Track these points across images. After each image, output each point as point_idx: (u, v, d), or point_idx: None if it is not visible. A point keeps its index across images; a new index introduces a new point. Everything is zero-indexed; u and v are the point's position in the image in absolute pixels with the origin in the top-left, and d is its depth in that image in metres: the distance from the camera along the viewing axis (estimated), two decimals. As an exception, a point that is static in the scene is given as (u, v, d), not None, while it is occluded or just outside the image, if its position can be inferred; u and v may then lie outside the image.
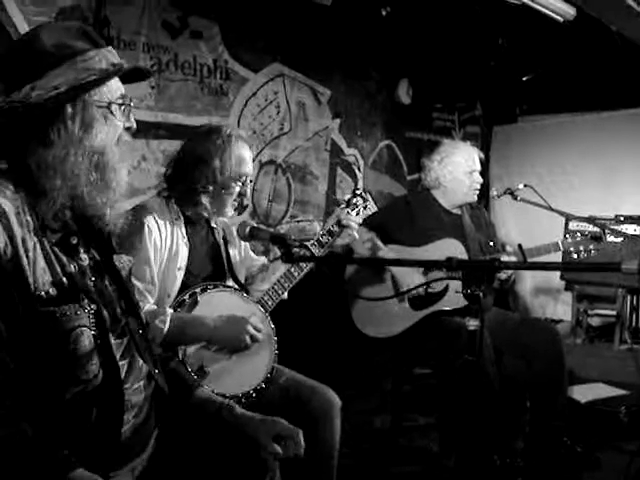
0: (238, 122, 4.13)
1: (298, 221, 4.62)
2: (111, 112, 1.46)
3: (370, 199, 2.90)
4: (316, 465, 2.32)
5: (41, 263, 1.34)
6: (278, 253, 1.89)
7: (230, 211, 2.49)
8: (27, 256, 1.32)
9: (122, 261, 1.61)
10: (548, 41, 4.85)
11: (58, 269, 1.37)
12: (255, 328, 2.32)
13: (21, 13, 3.00)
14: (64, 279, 1.37)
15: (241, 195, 2.48)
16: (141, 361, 1.54)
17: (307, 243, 2.48)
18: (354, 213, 2.74)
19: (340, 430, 2.40)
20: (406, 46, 5.02)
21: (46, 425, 1.30)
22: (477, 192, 3.50)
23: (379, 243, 3.32)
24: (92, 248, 1.51)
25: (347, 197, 2.79)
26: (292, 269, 2.55)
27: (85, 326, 1.37)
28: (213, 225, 2.56)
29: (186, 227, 2.43)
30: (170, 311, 2.24)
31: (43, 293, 1.32)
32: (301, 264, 2.55)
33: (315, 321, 3.97)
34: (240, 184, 2.46)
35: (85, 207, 1.45)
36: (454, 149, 3.51)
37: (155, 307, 2.26)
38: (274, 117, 4.41)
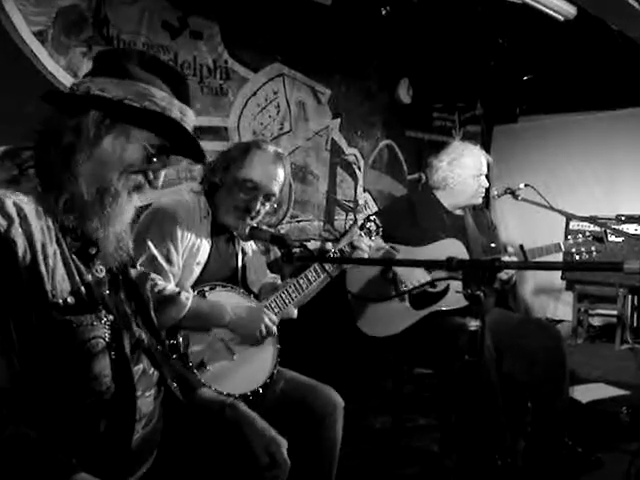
0: (238, 122, 4.12)
1: (298, 221, 4.61)
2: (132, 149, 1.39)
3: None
4: (318, 464, 2.32)
5: (61, 271, 1.32)
6: (278, 253, 1.89)
7: (233, 221, 2.43)
8: (46, 263, 1.29)
9: (138, 275, 1.62)
10: (549, 40, 4.84)
11: (77, 278, 1.35)
12: (270, 320, 2.36)
13: (20, 12, 3.00)
14: (82, 288, 1.35)
15: (248, 210, 2.41)
16: (152, 370, 1.52)
17: (308, 244, 2.48)
18: (366, 237, 2.79)
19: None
20: (406, 46, 5.02)
21: (55, 431, 1.28)
22: (482, 196, 3.48)
23: (393, 252, 3.29)
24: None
25: (361, 221, 2.85)
26: (300, 280, 2.55)
27: (100, 337, 1.35)
28: (235, 234, 2.56)
29: (212, 227, 2.45)
30: (192, 292, 2.28)
31: (61, 301, 1.30)
32: (310, 277, 2.56)
33: (316, 320, 3.96)
34: (250, 195, 2.41)
35: (80, 222, 1.39)
36: (464, 151, 3.45)
37: (178, 288, 2.28)
38: (274, 117, 4.40)
